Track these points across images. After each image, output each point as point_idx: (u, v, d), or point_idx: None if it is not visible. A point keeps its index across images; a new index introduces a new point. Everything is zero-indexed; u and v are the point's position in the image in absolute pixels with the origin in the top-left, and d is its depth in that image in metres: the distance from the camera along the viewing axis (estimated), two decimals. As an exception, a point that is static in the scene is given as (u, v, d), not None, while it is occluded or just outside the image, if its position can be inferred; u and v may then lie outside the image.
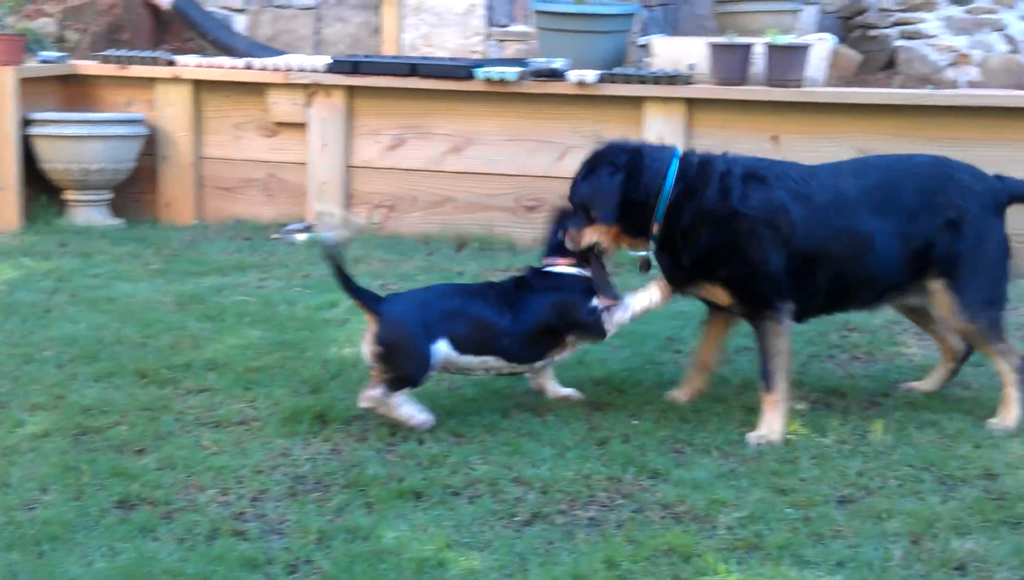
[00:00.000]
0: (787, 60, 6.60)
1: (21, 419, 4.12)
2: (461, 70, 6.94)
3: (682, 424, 4.14)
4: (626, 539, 3.33)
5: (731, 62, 6.67)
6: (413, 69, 7.05)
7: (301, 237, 6.90)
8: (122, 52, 7.56)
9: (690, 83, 6.80)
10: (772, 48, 6.61)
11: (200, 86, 7.41)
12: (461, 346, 4.08)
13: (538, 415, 4.22)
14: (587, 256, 4.22)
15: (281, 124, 7.32)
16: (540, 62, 6.97)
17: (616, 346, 4.95)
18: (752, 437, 4.01)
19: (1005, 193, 4.25)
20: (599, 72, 6.79)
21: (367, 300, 4.11)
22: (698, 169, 4.10)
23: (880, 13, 8.50)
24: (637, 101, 6.73)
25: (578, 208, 4.21)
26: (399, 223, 7.17)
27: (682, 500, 3.56)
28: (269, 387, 4.44)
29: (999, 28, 8.20)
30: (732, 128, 6.64)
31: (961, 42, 8.14)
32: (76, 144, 7.05)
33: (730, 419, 4.19)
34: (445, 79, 6.98)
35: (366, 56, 7.55)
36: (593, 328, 4.18)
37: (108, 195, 7.30)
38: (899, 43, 8.22)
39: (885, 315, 5.44)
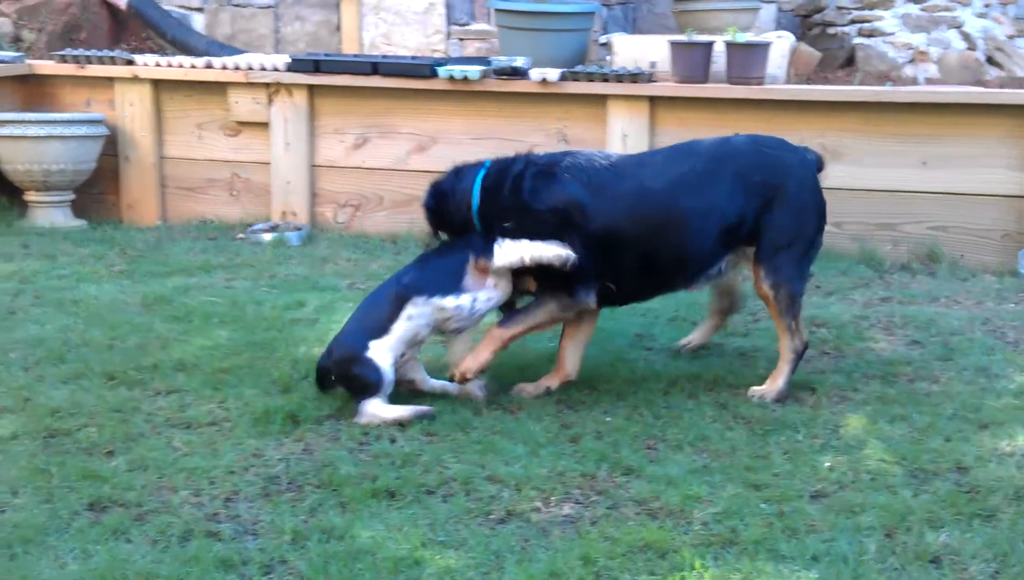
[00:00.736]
0: (747, 58, 6.64)
1: (-12, 422, 4.07)
2: (423, 68, 6.93)
3: (654, 420, 4.16)
4: (602, 536, 3.34)
5: (692, 60, 6.71)
6: (375, 68, 7.03)
7: (267, 237, 6.86)
8: (80, 51, 7.48)
9: (652, 81, 6.83)
10: (732, 46, 6.65)
11: (160, 85, 7.35)
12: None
13: (510, 413, 4.23)
14: None
15: (243, 123, 7.27)
16: (502, 60, 6.97)
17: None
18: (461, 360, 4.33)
19: (814, 165, 4.62)
20: (561, 70, 6.80)
21: None
22: (496, 175, 4.43)
23: (838, 11, 8.58)
24: (601, 99, 6.75)
25: None
26: (365, 222, 7.14)
27: (656, 496, 3.58)
28: (239, 387, 4.41)
29: (956, 25, 8.30)
30: (694, 125, 6.67)
31: (919, 39, 8.23)
32: (36, 145, 6.96)
33: (702, 415, 4.21)
34: (407, 77, 6.97)
35: (327, 55, 7.52)
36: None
37: (70, 196, 7.22)
38: (857, 41, 8.31)
39: (852, 311, 5.50)
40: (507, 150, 6.90)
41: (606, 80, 6.72)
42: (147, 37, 8.84)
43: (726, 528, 3.38)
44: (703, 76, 6.69)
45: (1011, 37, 8.40)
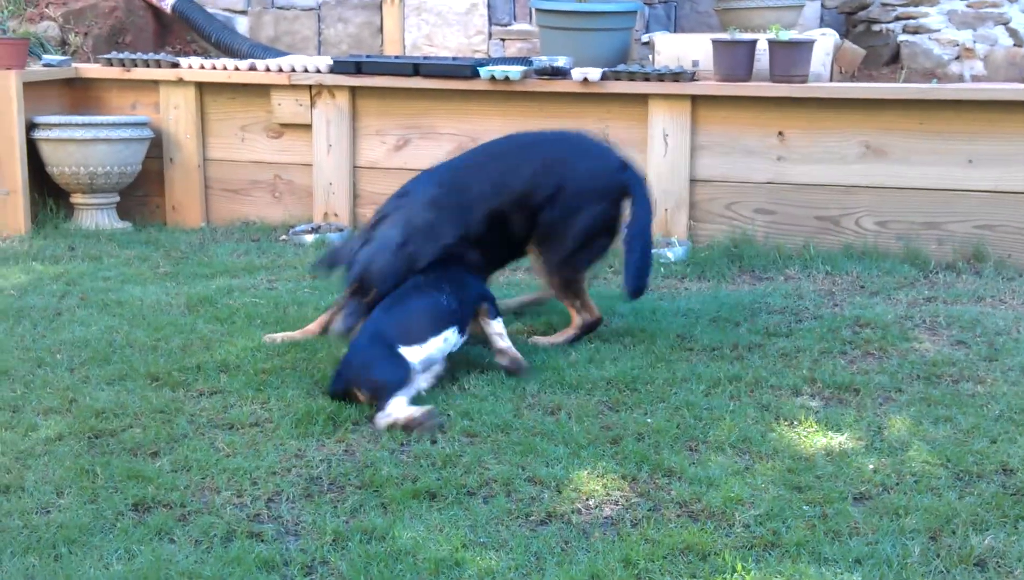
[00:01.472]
0: (791, 56, 6.59)
1: (35, 423, 4.12)
2: (465, 69, 6.94)
3: (696, 422, 4.14)
4: (643, 538, 3.33)
5: (735, 58, 6.66)
6: (416, 69, 7.05)
7: (309, 238, 6.90)
8: (125, 55, 7.56)
9: (694, 80, 6.79)
10: (775, 44, 6.60)
11: (204, 88, 7.41)
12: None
13: (551, 414, 4.23)
14: None
15: (286, 125, 7.31)
16: (543, 60, 6.97)
17: (627, 344, 4.96)
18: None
19: (616, 183, 4.99)
20: (603, 70, 6.78)
21: None
22: None
23: (883, 8, 8.49)
24: (642, 98, 6.73)
25: None
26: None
27: (698, 498, 3.56)
28: (281, 389, 4.44)
29: (1003, 21, 8.18)
30: (737, 124, 6.65)
31: (965, 36, 8.13)
32: (82, 147, 7.04)
33: (744, 416, 4.18)
34: (449, 78, 6.98)
35: (368, 56, 7.55)
36: None
37: (115, 198, 7.30)
38: (902, 38, 8.21)
39: (897, 310, 5.45)
40: (548, 150, 6.94)
41: (647, 79, 6.70)
42: (191, 40, 8.92)
43: (768, 530, 3.35)
44: (746, 74, 6.65)
45: (1059, 33, 8.28)
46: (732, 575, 3.13)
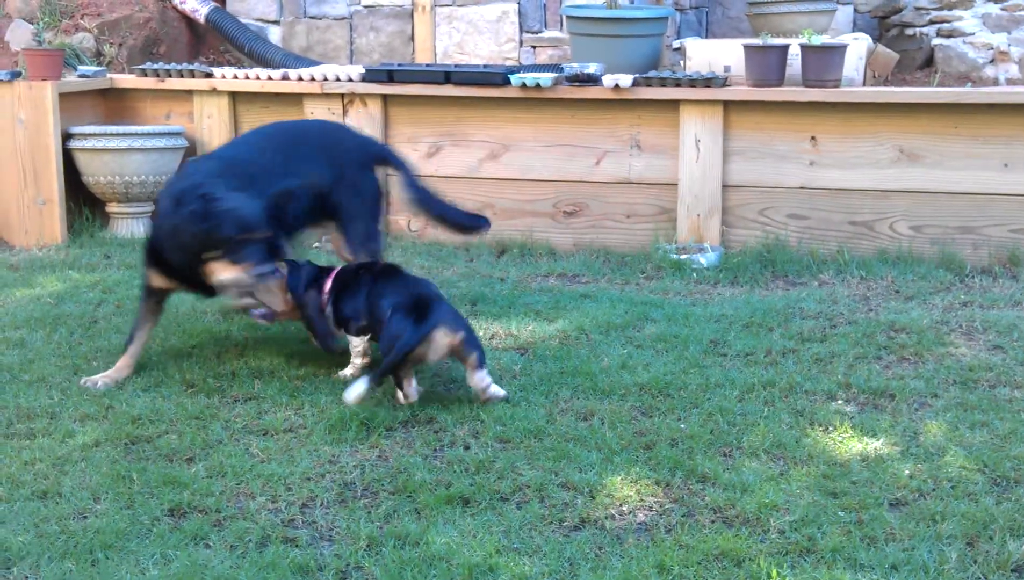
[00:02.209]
0: (823, 60, 6.56)
1: (72, 429, 4.16)
2: (496, 77, 6.95)
3: (729, 427, 4.12)
4: (677, 544, 3.32)
5: (767, 63, 6.64)
6: (447, 77, 7.06)
7: (341, 246, 6.92)
8: (159, 65, 7.61)
9: (726, 85, 6.78)
10: (808, 49, 6.58)
11: (238, 97, 7.46)
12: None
13: (584, 420, 4.22)
14: None
15: (319, 134, 7.34)
16: (574, 67, 6.97)
17: (660, 350, 4.95)
18: None
19: (372, 155, 5.30)
20: (634, 76, 6.78)
21: None
22: None
23: (916, 12, 8.45)
24: (673, 104, 6.72)
25: None
26: (439, 230, 7.16)
27: (732, 504, 3.55)
28: (314, 395, 4.46)
29: (1037, 24, 8.13)
30: (769, 129, 6.63)
31: (999, 39, 8.08)
32: (118, 157, 7.11)
33: (778, 422, 4.16)
34: (480, 86, 6.99)
35: (400, 65, 7.57)
36: None
37: (150, 207, 7.35)
38: (936, 41, 8.18)
39: (932, 315, 5.41)
40: (579, 157, 6.97)
41: (679, 85, 6.69)
42: (224, 50, 8.98)
43: (803, 536, 3.34)
44: (778, 79, 6.63)
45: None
46: (767, 581, 3.12)
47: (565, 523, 3.48)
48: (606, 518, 3.50)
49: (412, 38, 8.70)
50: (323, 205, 5.02)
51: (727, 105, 6.66)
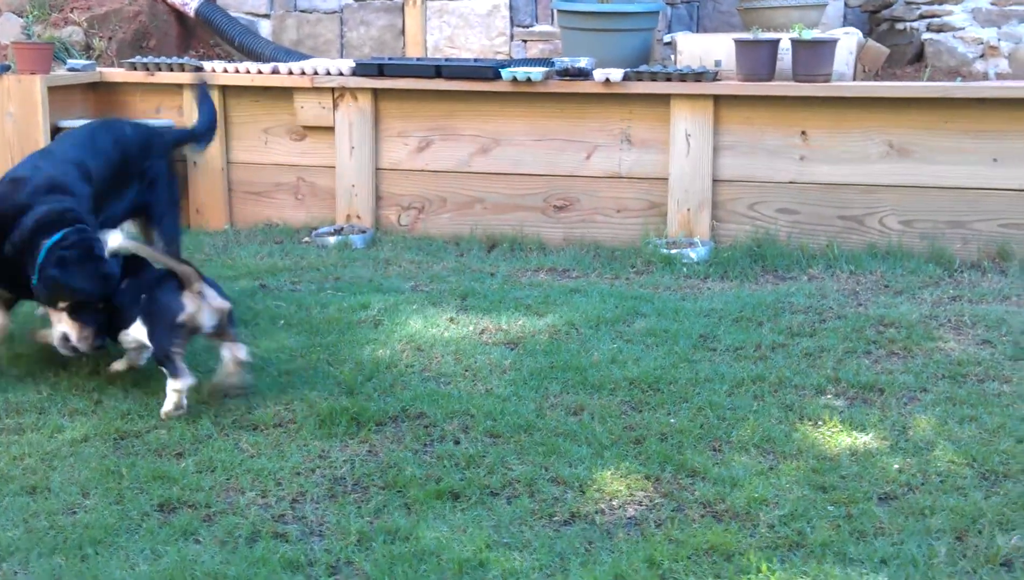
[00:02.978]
0: (814, 55, 6.56)
1: (61, 424, 4.15)
2: (486, 71, 6.94)
3: (719, 422, 4.13)
4: (667, 538, 3.33)
5: (757, 58, 6.64)
6: (438, 71, 7.05)
7: (332, 240, 6.92)
8: (149, 59, 7.59)
9: (717, 80, 6.78)
10: (798, 43, 6.58)
11: (228, 91, 7.44)
12: None
13: (574, 414, 4.23)
14: None
15: (309, 128, 7.33)
16: (565, 61, 6.97)
17: (650, 345, 4.95)
18: None
19: (169, 142, 5.49)
20: (625, 70, 6.77)
21: None
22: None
23: (907, 6, 8.45)
24: (664, 99, 6.71)
25: None
26: (429, 225, 7.18)
27: (722, 498, 3.56)
28: (304, 389, 4.45)
29: (1027, 19, 8.13)
30: (760, 124, 6.63)
31: (989, 34, 8.08)
32: (106, 151, 7.07)
33: (768, 416, 4.17)
34: (471, 80, 6.98)
35: (390, 59, 7.56)
36: None
37: (138, 201, 7.33)
38: (927, 36, 8.17)
39: (921, 310, 5.42)
40: (569, 151, 6.97)
41: (669, 79, 6.68)
42: (215, 44, 8.96)
43: (793, 530, 3.35)
44: (768, 74, 6.63)
45: (1085, 30, 8.22)
46: (757, 575, 3.12)
47: (555, 518, 3.48)
48: (596, 513, 3.50)
49: (403, 32, 8.68)
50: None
51: (717, 100, 6.66)
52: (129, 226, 5.36)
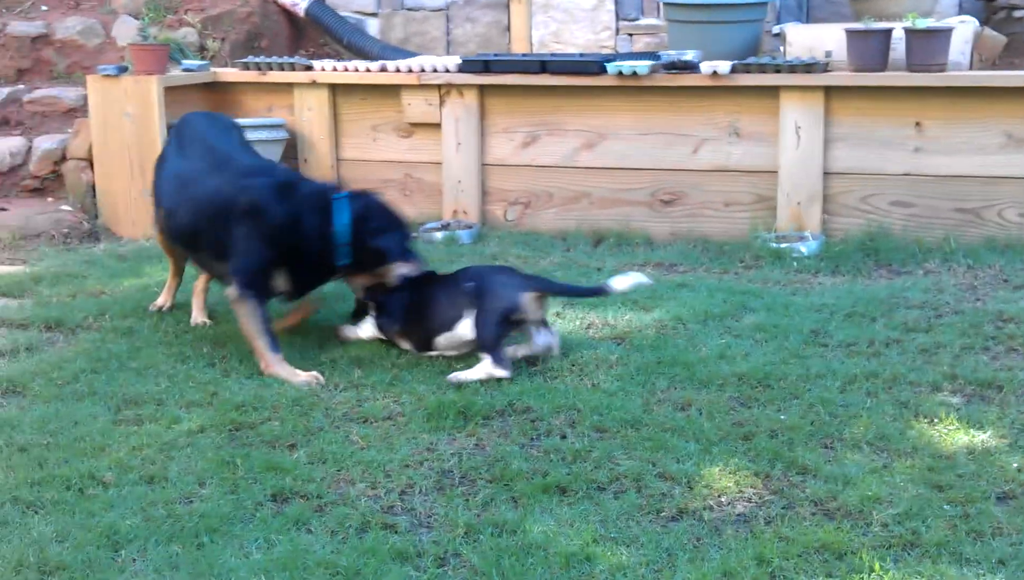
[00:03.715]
0: (928, 44, 6.41)
1: (178, 416, 4.26)
2: (592, 65, 6.92)
3: (830, 418, 4.06)
4: (776, 536, 3.28)
5: (869, 48, 6.51)
6: (543, 66, 7.06)
7: (439, 235, 6.97)
8: (261, 59, 7.74)
9: (827, 71, 6.66)
10: (912, 32, 6.43)
11: (337, 90, 7.55)
12: None
13: (681, 410, 4.19)
14: None
15: (416, 125, 7.40)
16: (671, 55, 6.91)
17: (759, 340, 4.89)
18: None
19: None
20: (732, 63, 6.70)
21: None
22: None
23: (1025, -7, 8.20)
24: (773, 91, 6.62)
25: None
26: (535, 220, 7.19)
27: (833, 496, 3.50)
28: (412, 383, 4.50)
29: None
30: (872, 115, 6.50)
31: (1114, 20, 7.80)
32: (220, 149, 7.22)
33: (881, 413, 4.09)
34: (576, 75, 6.97)
35: (496, 55, 7.59)
36: None
37: (252, 198, 7.47)
38: (1046, 23, 7.92)
39: (1041, 305, 5.26)
40: (676, 145, 6.91)
41: (778, 71, 6.59)
42: (324, 43, 9.09)
43: (907, 530, 3.28)
44: (881, 64, 6.50)
45: None
46: (869, 575, 3.06)
47: (663, 513, 3.46)
48: (704, 509, 3.47)
49: (508, 28, 8.70)
50: None
51: (828, 91, 6.55)
52: None
